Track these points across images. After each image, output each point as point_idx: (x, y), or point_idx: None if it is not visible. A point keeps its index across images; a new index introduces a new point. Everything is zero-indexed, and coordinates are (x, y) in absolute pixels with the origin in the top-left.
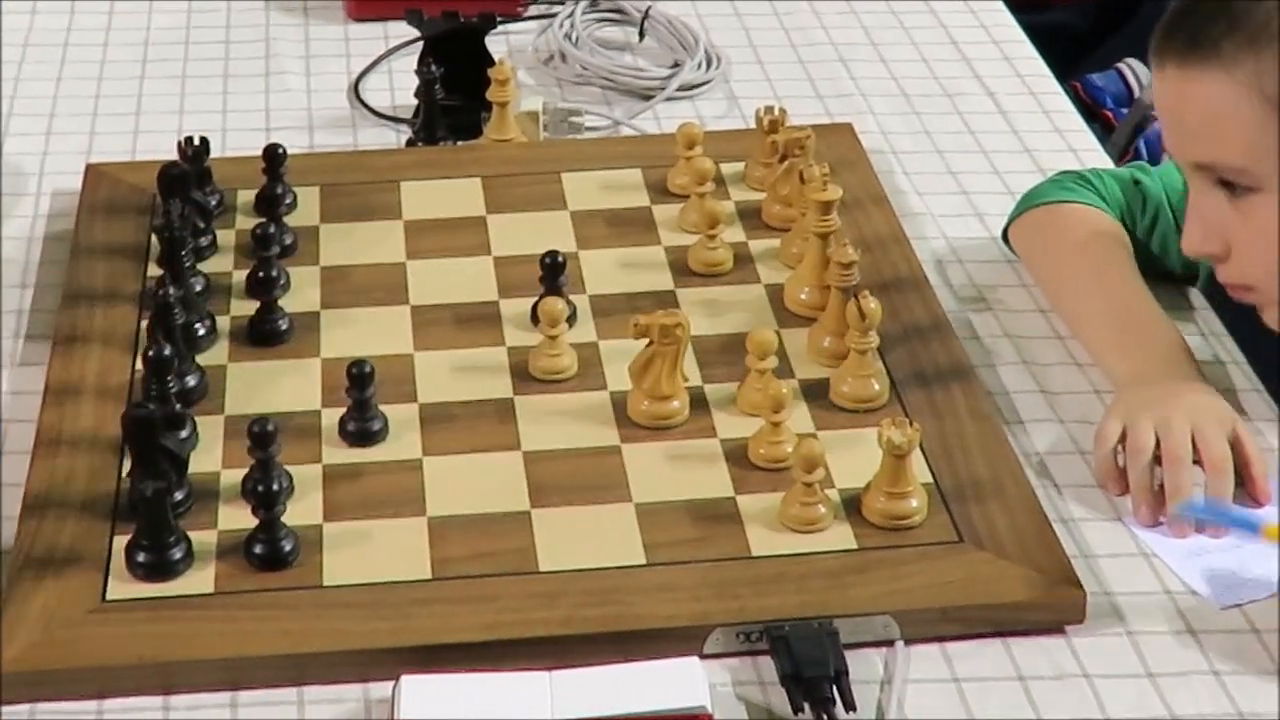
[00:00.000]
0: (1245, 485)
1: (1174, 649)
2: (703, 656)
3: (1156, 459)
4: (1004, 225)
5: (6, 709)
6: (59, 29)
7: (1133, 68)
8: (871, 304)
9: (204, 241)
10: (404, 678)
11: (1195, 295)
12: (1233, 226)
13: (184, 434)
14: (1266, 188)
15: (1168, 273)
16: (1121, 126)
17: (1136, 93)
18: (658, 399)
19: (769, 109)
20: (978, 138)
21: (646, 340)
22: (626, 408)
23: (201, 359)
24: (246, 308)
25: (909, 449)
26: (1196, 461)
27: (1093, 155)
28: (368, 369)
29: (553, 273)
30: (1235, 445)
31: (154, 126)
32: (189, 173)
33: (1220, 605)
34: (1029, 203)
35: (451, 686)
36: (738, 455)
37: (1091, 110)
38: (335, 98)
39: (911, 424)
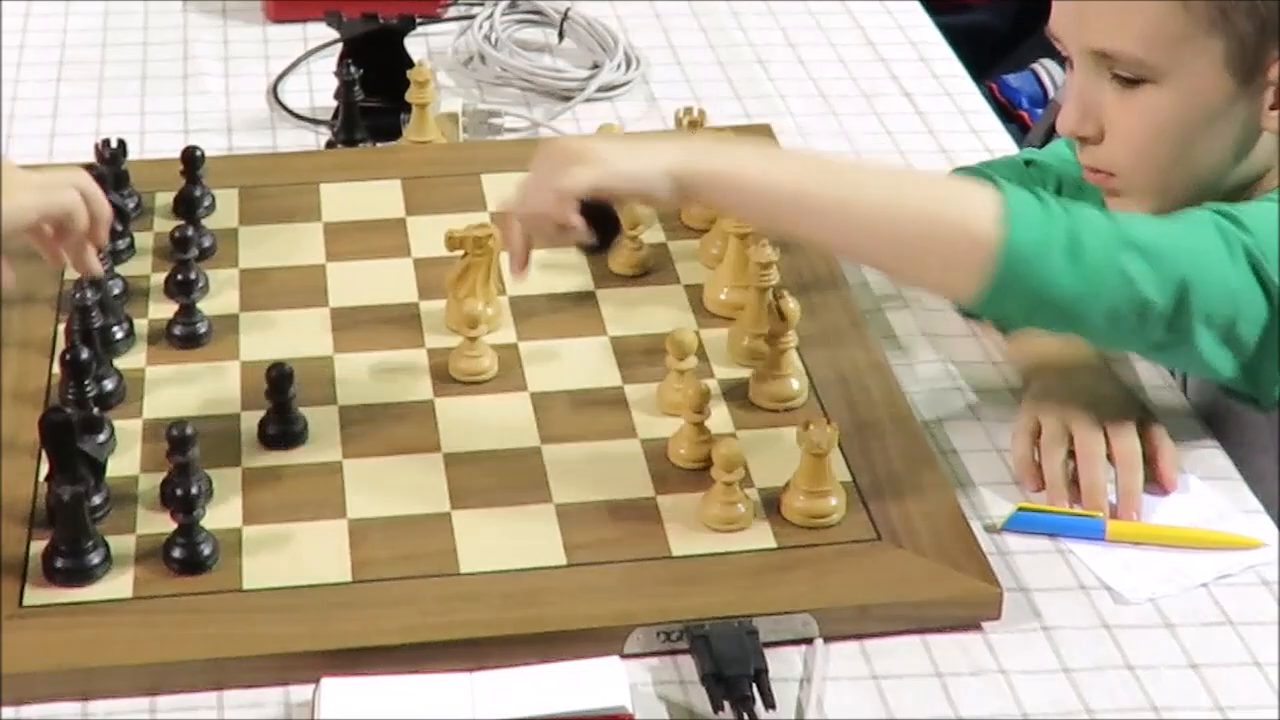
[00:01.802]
0: (1154, 478)
1: (1090, 644)
2: (624, 656)
3: (1070, 454)
4: None
5: None
6: None
7: (1048, 69)
8: (791, 304)
9: (121, 244)
10: (324, 680)
11: None
12: (1112, 112)
13: (102, 438)
14: (1158, 81)
15: None
16: (1036, 127)
17: (1051, 94)
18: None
19: (688, 110)
20: (895, 138)
21: (461, 252)
22: (445, 318)
23: (119, 362)
24: (165, 310)
25: (828, 448)
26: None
27: (1009, 153)
28: (287, 371)
29: None
30: (1144, 438)
31: (71, 129)
32: (106, 175)
33: (1132, 599)
34: None
35: (372, 689)
36: (657, 455)
37: (1007, 111)
38: (254, 99)
39: (830, 423)
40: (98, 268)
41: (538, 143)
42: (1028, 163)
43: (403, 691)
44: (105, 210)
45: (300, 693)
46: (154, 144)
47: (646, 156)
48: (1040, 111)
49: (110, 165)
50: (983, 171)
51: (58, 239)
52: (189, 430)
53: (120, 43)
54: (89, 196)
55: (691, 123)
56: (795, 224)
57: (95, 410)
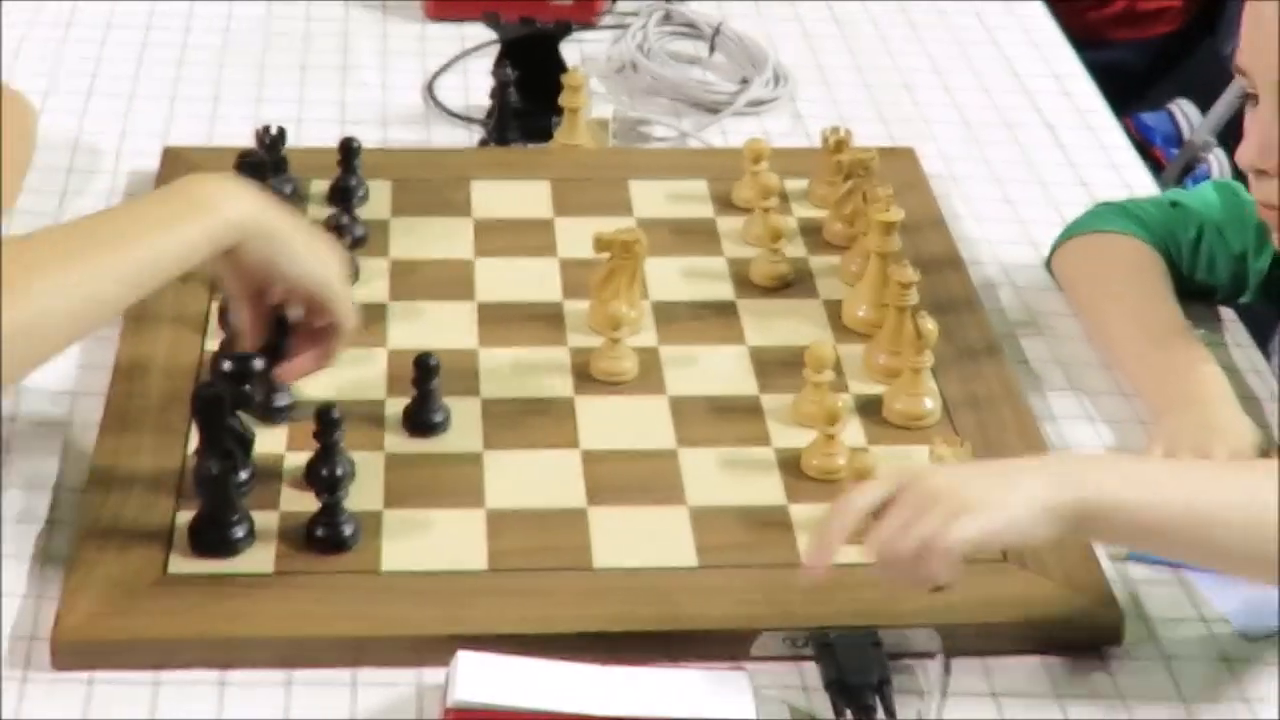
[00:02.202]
0: None
1: (1209, 677)
2: (749, 659)
3: None
4: (1048, 255)
5: (65, 675)
6: (141, 12)
7: (1183, 109)
8: (929, 324)
9: None
10: (461, 653)
11: (1225, 310)
12: None
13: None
14: None
15: (1211, 289)
16: (1170, 167)
17: (1186, 133)
18: (614, 310)
19: (835, 129)
20: (1036, 169)
21: (608, 255)
22: (587, 319)
23: None
24: None
25: None
26: None
27: (1147, 192)
28: (434, 362)
29: None
30: None
31: (230, 113)
32: (266, 161)
33: (1250, 634)
34: (1069, 233)
35: (507, 667)
36: (790, 465)
37: (1141, 148)
38: (409, 95)
39: (962, 443)
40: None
41: (909, 481)
42: (1173, 204)
43: (537, 675)
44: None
45: (433, 674)
46: (310, 133)
47: (1022, 496)
48: (1175, 151)
49: (270, 152)
50: (1130, 209)
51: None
52: (337, 413)
53: (282, 32)
54: None
55: (838, 143)
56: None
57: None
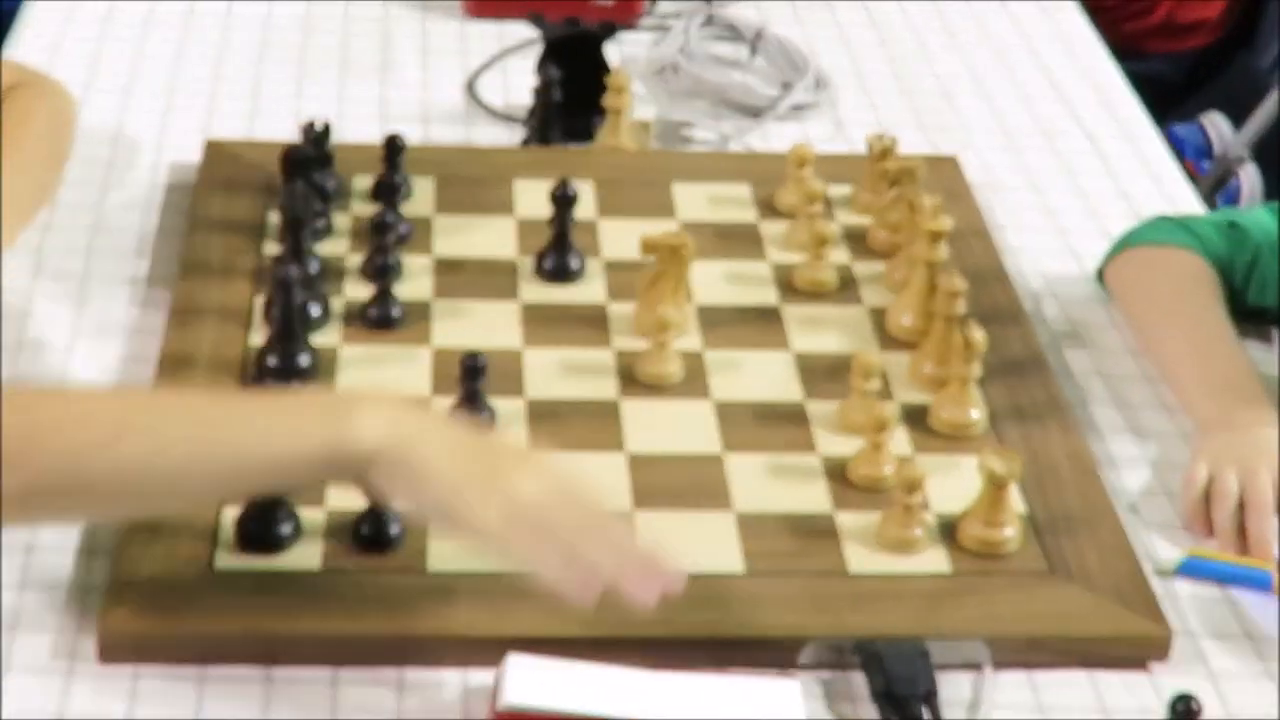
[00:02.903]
0: None
1: (1255, 694)
2: (796, 667)
3: (1240, 504)
4: (1099, 264)
5: (111, 669)
6: (181, 10)
7: (1215, 122)
8: (978, 334)
9: (320, 224)
10: (510, 656)
11: (1276, 334)
12: None
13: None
14: None
15: (1262, 311)
16: (1203, 181)
17: (1217, 146)
18: (661, 314)
19: (880, 137)
20: (1076, 179)
21: (654, 258)
22: (633, 322)
23: (314, 340)
24: (359, 291)
25: (1009, 479)
26: None
27: (1188, 204)
28: (481, 362)
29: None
30: None
31: (271, 109)
32: (311, 155)
33: None
34: (1126, 244)
35: (556, 671)
36: (837, 473)
37: None
38: (450, 93)
39: (1013, 455)
40: None
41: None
42: (1231, 225)
43: (586, 679)
44: None
45: (479, 676)
46: (351, 129)
47: None
48: (1206, 163)
49: (316, 146)
50: (1189, 225)
51: None
52: None
53: (322, 29)
54: None
55: (884, 150)
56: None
57: (296, 384)
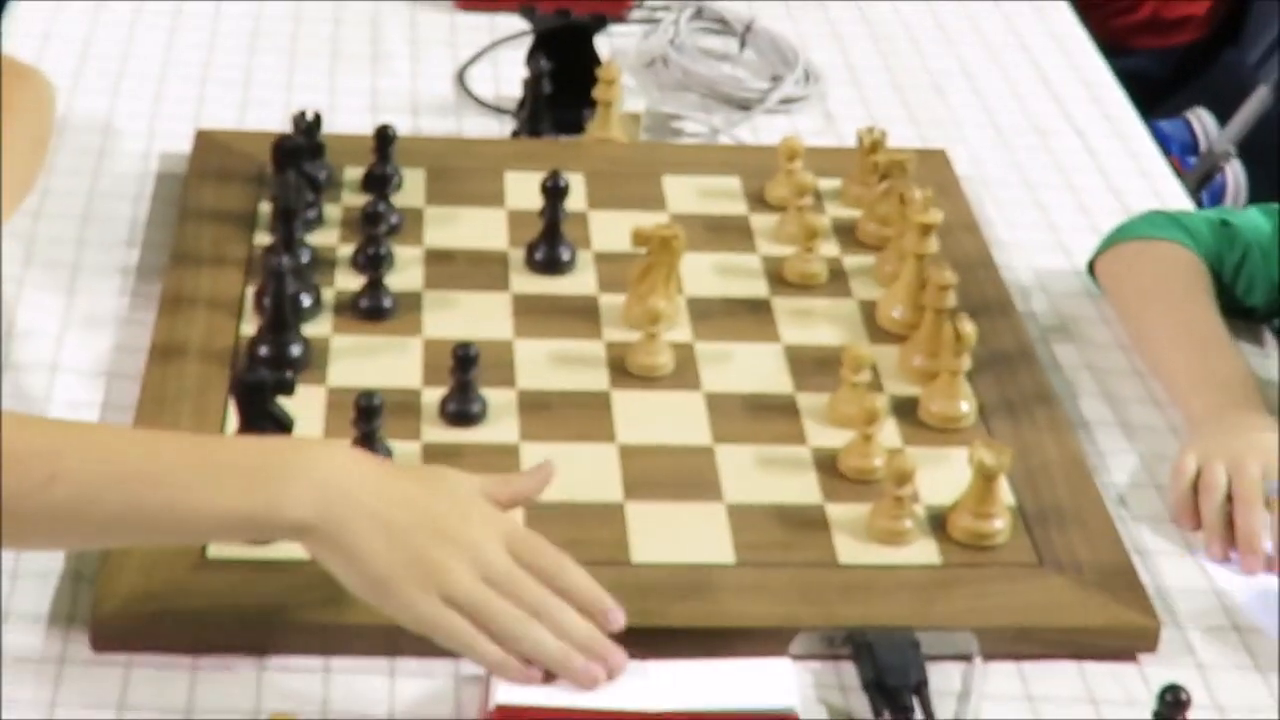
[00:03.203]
0: None
1: (1242, 685)
2: (787, 658)
3: (1229, 497)
4: (1090, 257)
5: (103, 658)
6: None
7: (1200, 118)
8: (968, 327)
9: (311, 215)
10: None
11: (1266, 332)
12: None
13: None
14: None
15: (1249, 310)
16: (1189, 176)
17: (1202, 142)
18: (652, 305)
19: (870, 130)
20: (1067, 175)
21: (646, 250)
22: (623, 313)
23: (305, 330)
24: (350, 282)
25: (999, 471)
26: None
27: (1177, 200)
28: (473, 352)
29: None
30: None
31: (263, 99)
32: (303, 145)
33: None
34: (1118, 237)
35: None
36: (827, 464)
37: None
38: (440, 84)
39: (1002, 447)
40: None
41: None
42: (1224, 222)
43: None
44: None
45: (470, 666)
46: (342, 120)
47: None
48: (1191, 160)
49: (307, 136)
50: (1181, 220)
51: None
52: (377, 401)
53: (312, 18)
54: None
55: (873, 143)
56: None
57: (289, 374)
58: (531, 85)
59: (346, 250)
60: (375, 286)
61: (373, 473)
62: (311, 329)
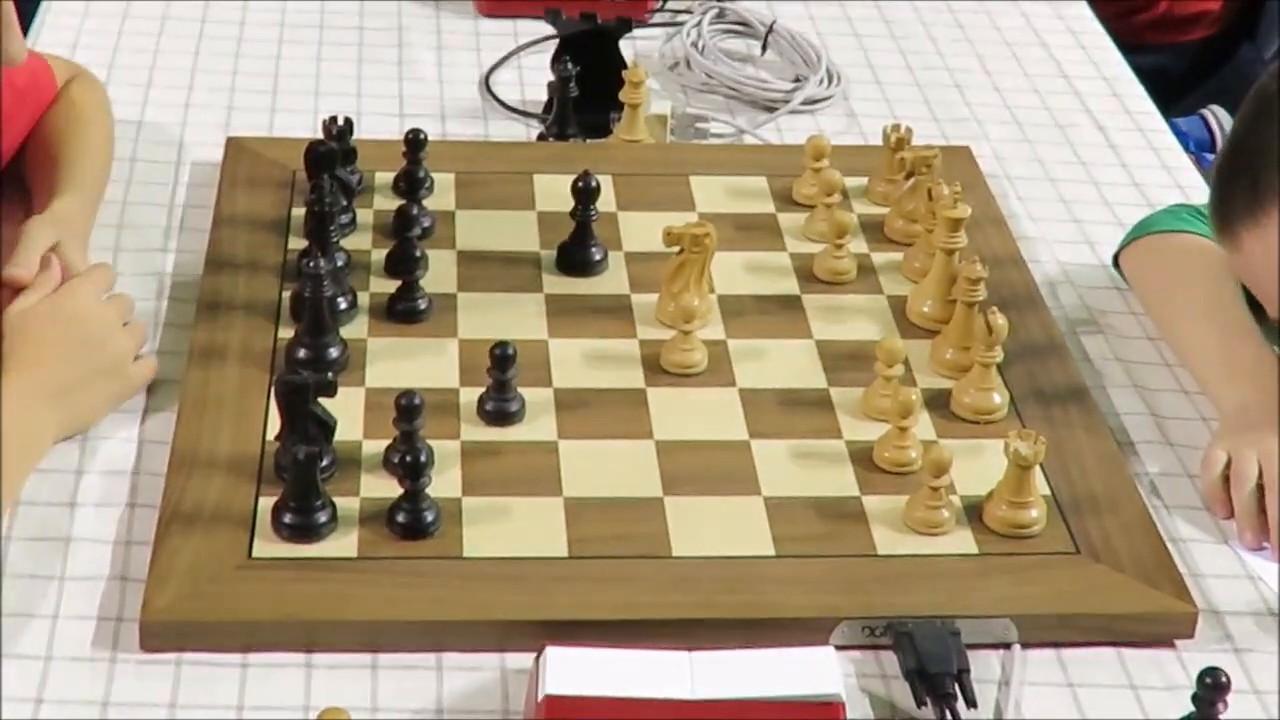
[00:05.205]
0: None
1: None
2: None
3: (1260, 485)
4: (1115, 250)
5: (153, 656)
6: (196, 5)
7: (1216, 115)
8: (1000, 319)
9: (345, 219)
10: (549, 649)
11: None
12: None
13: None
14: None
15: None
16: (1205, 173)
17: (1218, 139)
18: (685, 303)
19: (896, 127)
20: (1089, 169)
21: (678, 249)
22: (656, 311)
23: (342, 332)
24: (385, 285)
25: (1034, 461)
26: None
27: (1199, 193)
28: (511, 351)
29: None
30: None
31: (291, 105)
32: (335, 151)
33: None
34: (1142, 230)
35: (595, 659)
36: (862, 457)
37: None
38: (466, 89)
39: (1037, 438)
40: None
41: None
42: None
43: (624, 664)
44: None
45: (516, 659)
46: (369, 126)
47: None
48: (1208, 156)
49: (338, 142)
50: (1205, 214)
51: None
52: (418, 400)
53: (336, 26)
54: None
55: (899, 140)
56: None
57: (330, 375)
58: (559, 89)
59: (379, 254)
60: (410, 289)
61: None
62: (348, 331)
